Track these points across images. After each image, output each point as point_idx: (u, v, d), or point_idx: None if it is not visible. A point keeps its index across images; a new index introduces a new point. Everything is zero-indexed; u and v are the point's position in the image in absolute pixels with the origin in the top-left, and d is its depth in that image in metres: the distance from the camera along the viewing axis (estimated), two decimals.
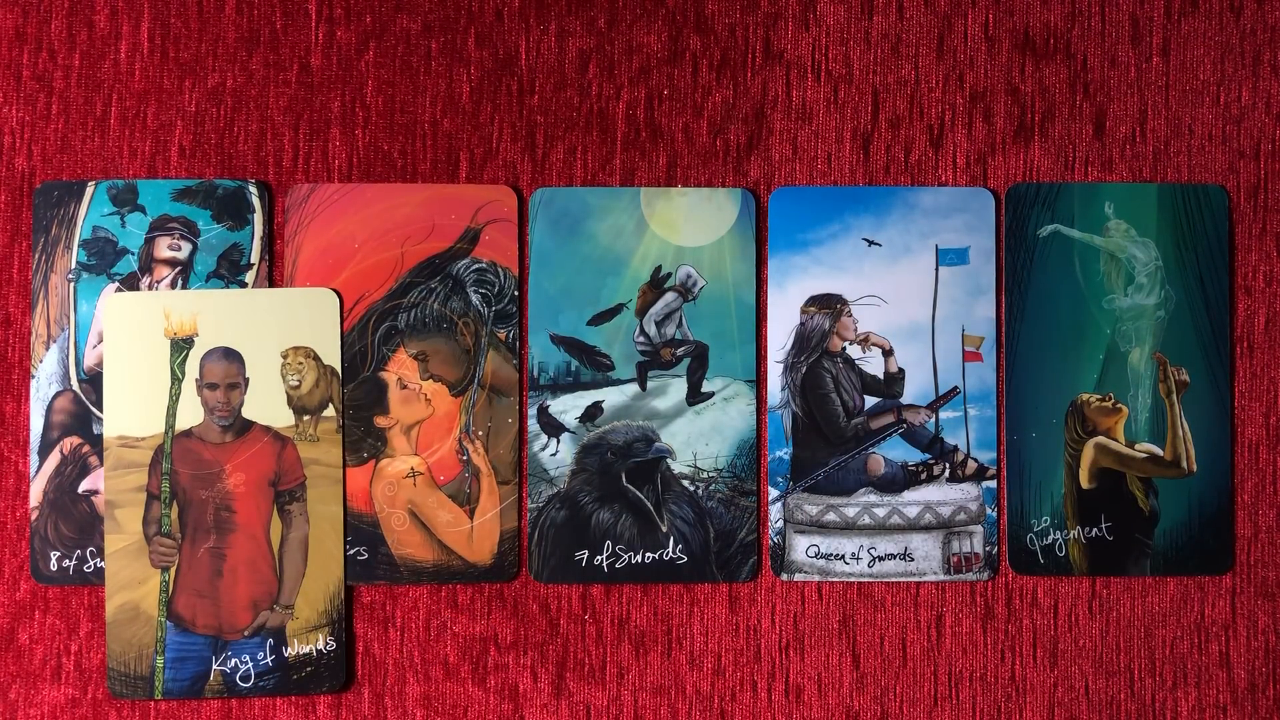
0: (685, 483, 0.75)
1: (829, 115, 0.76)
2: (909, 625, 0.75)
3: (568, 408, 0.75)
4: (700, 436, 0.75)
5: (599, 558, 0.75)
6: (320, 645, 0.74)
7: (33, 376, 0.74)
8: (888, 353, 0.76)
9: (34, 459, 0.74)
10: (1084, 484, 0.75)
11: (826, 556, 0.75)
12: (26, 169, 0.75)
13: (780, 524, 0.75)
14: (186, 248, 0.75)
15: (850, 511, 0.75)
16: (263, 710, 0.74)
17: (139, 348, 0.73)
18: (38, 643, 0.74)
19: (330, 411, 0.74)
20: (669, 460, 0.75)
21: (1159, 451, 0.75)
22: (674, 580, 0.75)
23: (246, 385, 0.74)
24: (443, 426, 0.75)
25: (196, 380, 0.73)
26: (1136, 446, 0.75)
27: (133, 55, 0.76)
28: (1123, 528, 0.75)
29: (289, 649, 0.73)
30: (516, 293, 0.75)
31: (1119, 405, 0.75)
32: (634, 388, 0.76)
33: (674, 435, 0.75)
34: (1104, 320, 0.75)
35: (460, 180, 0.76)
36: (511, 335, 0.75)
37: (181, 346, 0.73)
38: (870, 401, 0.76)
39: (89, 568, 0.73)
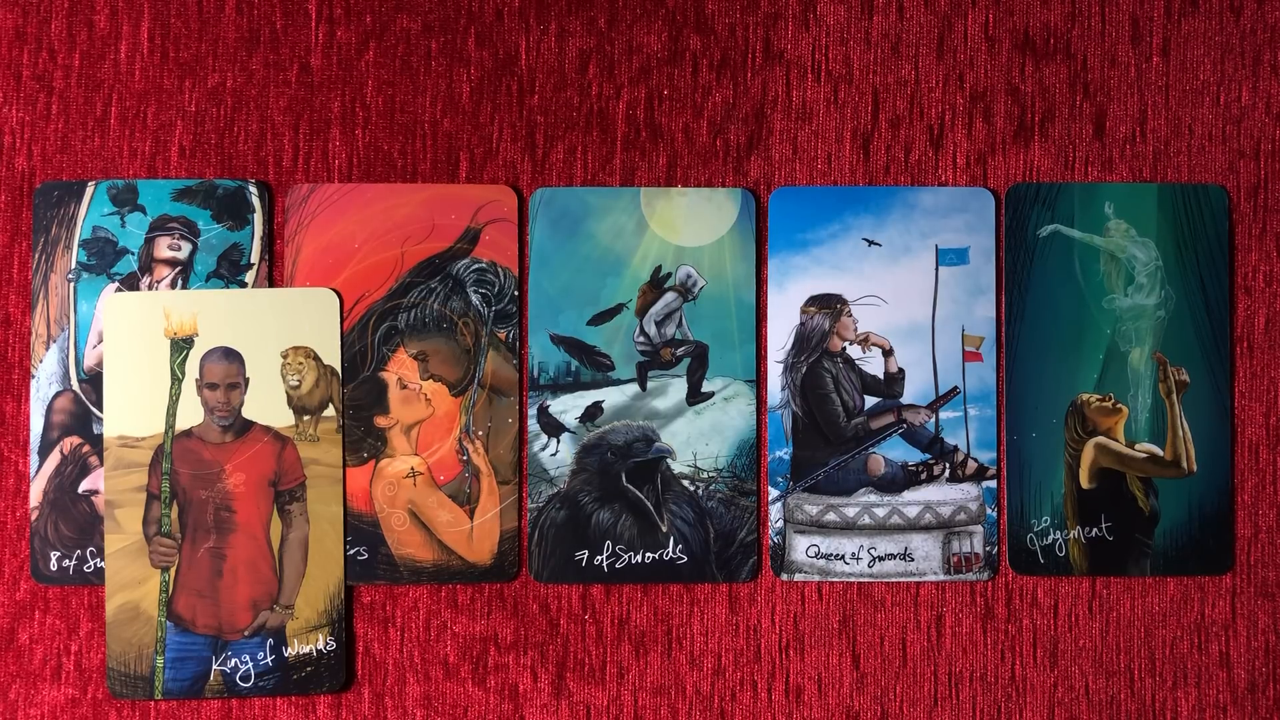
0: (685, 483, 0.75)
1: (829, 115, 0.76)
2: (909, 625, 0.75)
3: (568, 408, 0.75)
4: (700, 436, 0.75)
5: (599, 558, 0.75)
6: (320, 645, 0.74)
7: (33, 376, 0.74)
8: (888, 353, 0.76)
9: (34, 459, 0.74)
10: (1084, 484, 0.75)
11: (826, 556, 0.75)
12: (26, 169, 0.75)
13: (780, 524, 0.75)
14: (186, 248, 0.75)
15: (850, 511, 0.75)
16: (263, 710, 0.74)
17: (139, 348, 0.73)
18: (38, 643, 0.74)
19: (330, 411, 0.74)
20: (669, 460, 0.75)
21: (1159, 451, 0.75)
22: (674, 580, 0.75)
23: (246, 385, 0.74)
24: (443, 426, 0.75)
25: (196, 380, 0.73)
26: (1136, 446, 0.75)
27: (133, 55, 0.76)
28: (1123, 528, 0.75)
29: (289, 649, 0.73)
30: (516, 293, 0.75)
31: (1119, 405, 0.75)
32: (634, 388, 0.76)
33: (674, 435, 0.75)
34: (1104, 320, 0.75)
35: (460, 180, 0.76)
36: (511, 335, 0.75)
37: (181, 346, 0.73)
38: (870, 401, 0.76)
39: (89, 568, 0.73)
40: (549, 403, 0.75)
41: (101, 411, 0.73)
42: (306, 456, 0.74)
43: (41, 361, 0.74)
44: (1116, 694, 0.75)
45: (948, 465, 0.75)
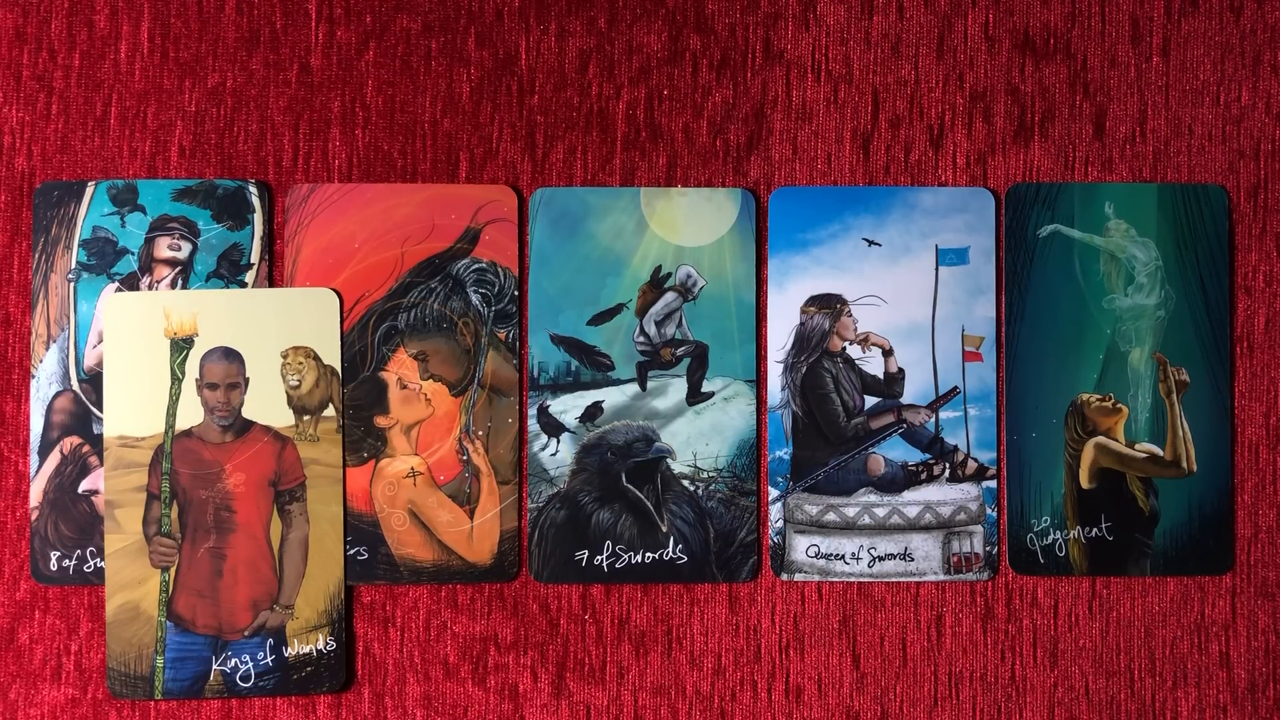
0: (685, 483, 0.75)
1: (829, 115, 0.76)
2: (909, 625, 0.75)
3: (568, 408, 0.75)
4: (700, 436, 0.75)
5: (599, 558, 0.75)
6: (320, 645, 0.74)
7: (33, 376, 0.74)
8: (888, 353, 0.76)
9: (34, 459, 0.74)
10: (1084, 484, 0.75)
11: (826, 556, 0.75)
12: (26, 169, 0.75)
13: (780, 524, 0.75)
14: (186, 248, 0.75)
15: (850, 511, 0.75)
16: (263, 710, 0.74)
17: (139, 348, 0.73)
18: (38, 643, 0.74)
19: (330, 411, 0.74)
20: (669, 460, 0.75)
21: (1159, 451, 0.75)
22: (674, 580, 0.75)
23: (246, 385, 0.74)
24: (443, 426, 0.75)
25: (196, 380, 0.73)
26: (1136, 446, 0.75)
27: (133, 55, 0.76)
28: (1123, 528, 0.75)
29: (289, 649, 0.73)
30: (516, 293, 0.75)
31: (1119, 405, 0.75)
32: (634, 388, 0.76)
33: (674, 435, 0.75)
34: (1104, 320, 0.75)
35: (460, 180, 0.76)
36: (511, 335, 0.75)
37: (181, 346, 0.73)
38: (870, 401, 0.76)
39: (89, 568, 0.73)
40: (549, 403, 0.75)
41: (101, 411, 0.73)
42: (306, 456, 0.74)
43: (41, 361, 0.74)
44: (1116, 694, 0.75)
45: (948, 465, 0.75)
